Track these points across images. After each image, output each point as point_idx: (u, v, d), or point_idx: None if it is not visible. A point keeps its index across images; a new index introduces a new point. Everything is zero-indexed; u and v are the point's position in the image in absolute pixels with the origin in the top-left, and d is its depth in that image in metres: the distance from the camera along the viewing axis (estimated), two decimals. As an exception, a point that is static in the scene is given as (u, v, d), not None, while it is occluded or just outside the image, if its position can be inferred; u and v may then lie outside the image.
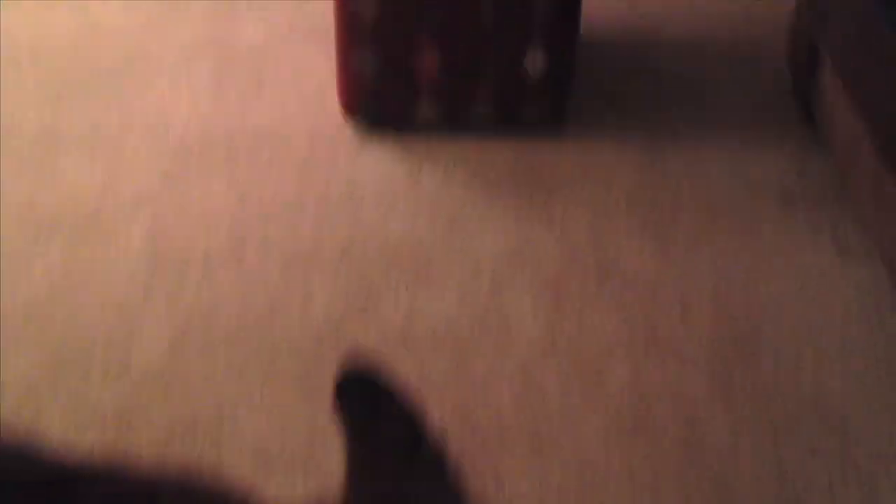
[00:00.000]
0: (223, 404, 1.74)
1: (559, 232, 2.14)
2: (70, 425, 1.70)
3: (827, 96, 2.29)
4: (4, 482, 0.90)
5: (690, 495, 1.62)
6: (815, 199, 2.25)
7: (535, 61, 2.32)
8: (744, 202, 2.24)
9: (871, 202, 2.05)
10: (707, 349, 1.88)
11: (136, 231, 2.11)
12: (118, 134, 2.40)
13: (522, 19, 2.27)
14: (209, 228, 2.12)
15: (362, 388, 0.93)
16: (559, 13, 2.27)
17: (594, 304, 1.97)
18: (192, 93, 2.55)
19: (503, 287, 2.00)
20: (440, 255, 2.07)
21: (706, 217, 2.20)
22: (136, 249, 2.07)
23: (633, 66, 2.70)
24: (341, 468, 0.92)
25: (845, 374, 1.84)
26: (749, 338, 1.90)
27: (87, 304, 1.94)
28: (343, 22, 2.27)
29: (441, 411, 1.74)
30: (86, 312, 1.92)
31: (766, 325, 1.93)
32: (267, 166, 2.31)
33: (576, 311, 1.95)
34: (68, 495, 0.88)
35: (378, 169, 2.31)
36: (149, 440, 1.68)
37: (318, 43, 2.68)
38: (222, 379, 1.79)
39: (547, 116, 2.42)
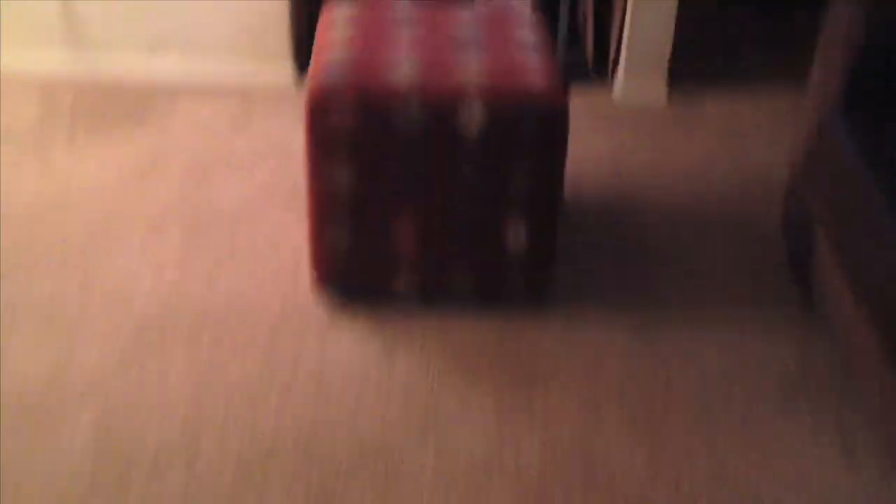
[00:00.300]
0: None
1: (542, 428, 1.97)
2: None
3: (825, 275, 2.17)
4: None
5: None
6: (817, 389, 2.10)
7: (515, 236, 2.21)
8: (741, 393, 2.09)
9: (877, 397, 1.90)
10: (703, 569, 1.70)
11: (85, 421, 1.95)
12: (76, 306, 2.26)
13: (502, 192, 2.16)
14: (162, 420, 1.96)
15: None
16: (540, 186, 2.17)
17: (579, 514, 1.79)
18: (158, 261, 2.43)
19: (480, 495, 1.83)
20: (412, 455, 1.90)
21: (701, 410, 2.04)
22: (81, 443, 1.90)
23: (618, 236, 2.59)
24: None
25: None
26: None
27: (21, 509, 1.76)
28: (316, 200, 2.16)
29: None
30: (18, 520, 1.74)
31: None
32: (231, 347, 2.16)
33: (558, 521, 1.78)
34: None
35: (350, 349, 2.17)
36: None
37: (294, 208, 2.58)
38: None
39: (529, 292, 2.29)
